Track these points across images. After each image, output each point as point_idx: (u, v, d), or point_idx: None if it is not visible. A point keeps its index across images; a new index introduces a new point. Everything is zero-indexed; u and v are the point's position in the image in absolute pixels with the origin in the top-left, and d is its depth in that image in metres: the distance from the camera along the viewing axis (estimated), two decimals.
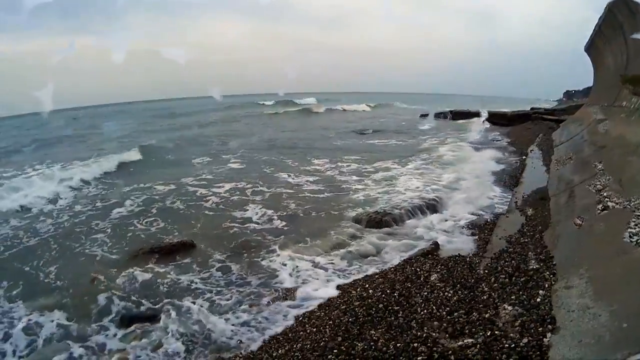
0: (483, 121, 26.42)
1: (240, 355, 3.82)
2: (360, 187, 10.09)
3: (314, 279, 5.42)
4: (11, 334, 4.80)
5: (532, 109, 26.27)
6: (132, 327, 4.72)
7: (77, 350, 4.43)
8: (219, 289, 5.49)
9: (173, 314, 4.96)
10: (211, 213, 8.70)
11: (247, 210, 8.71)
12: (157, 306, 5.15)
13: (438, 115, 31.36)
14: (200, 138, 21.48)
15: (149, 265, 6.32)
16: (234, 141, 19.62)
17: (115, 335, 4.67)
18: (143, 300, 5.29)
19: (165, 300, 5.24)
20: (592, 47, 13.90)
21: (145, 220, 8.27)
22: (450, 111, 31.38)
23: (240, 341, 4.19)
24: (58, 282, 6.04)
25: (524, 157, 11.67)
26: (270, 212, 8.45)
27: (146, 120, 37.05)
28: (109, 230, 7.99)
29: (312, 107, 45.16)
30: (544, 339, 2.56)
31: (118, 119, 39.05)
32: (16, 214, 9.21)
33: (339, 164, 13.19)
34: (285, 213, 8.36)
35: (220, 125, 29.25)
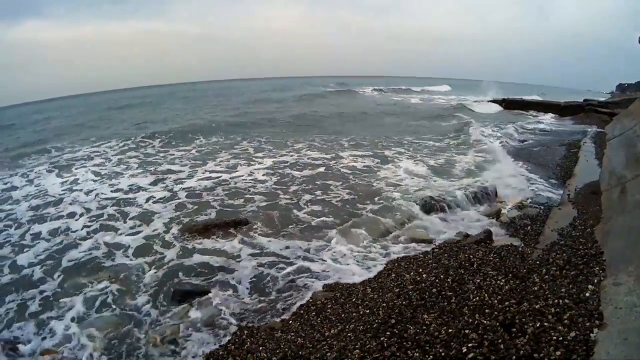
0: None
1: (292, 331, 4.26)
2: None
3: (365, 260, 5.95)
4: (61, 304, 5.40)
5: (585, 100, 25.77)
6: (185, 302, 5.21)
7: (130, 323, 4.93)
8: (269, 266, 6.01)
9: (225, 289, 5.39)
10: None
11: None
12: (209, 281, 5.69)
13: None
14: None
15: (202, 241, 6.84)
16: None
17: (167, 309, 5.16)
18: (196, 276, 5.85)
19: (218, 276, 5.79)
20: None
21: None
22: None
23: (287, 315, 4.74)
24: (113, 254, 6.70)
25: (577, 149, 12.02)
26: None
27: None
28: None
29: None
30: (591, 334, 2.88)
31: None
32: None
33: None
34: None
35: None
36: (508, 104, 29.22)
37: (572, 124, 20.18)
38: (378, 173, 10.81)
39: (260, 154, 13.63)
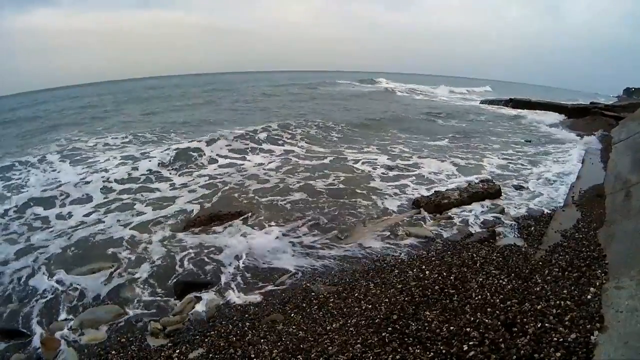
0: None
1: (294, 324, 4.29)
2: None
3: (369, 256, 6.00)
4: (62, 293, 5.41)
5: (591, 103, 25.96)
6: (187, 294, 5.24)
7: (131, 313, 4.97)
8: (272, 258, 6.06)
9: (228, 281, 5.46)
10: None
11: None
12: (212, 273, 5.73)
13: None
14: None
15: (206, 232, 6.93)
16: None
17: (169, 300, 5.21)
18: (199, 267, 5.89)
19: (221, 268, 5.84)
20: None
21: None
22: None
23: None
24: (118, 242, 6.75)
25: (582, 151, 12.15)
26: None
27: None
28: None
29: None
30: (591, 337, 2.94)
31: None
32: None
33: None
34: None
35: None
36: (515, 104, 29.74)
37: (577, 125, 20.27)
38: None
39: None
